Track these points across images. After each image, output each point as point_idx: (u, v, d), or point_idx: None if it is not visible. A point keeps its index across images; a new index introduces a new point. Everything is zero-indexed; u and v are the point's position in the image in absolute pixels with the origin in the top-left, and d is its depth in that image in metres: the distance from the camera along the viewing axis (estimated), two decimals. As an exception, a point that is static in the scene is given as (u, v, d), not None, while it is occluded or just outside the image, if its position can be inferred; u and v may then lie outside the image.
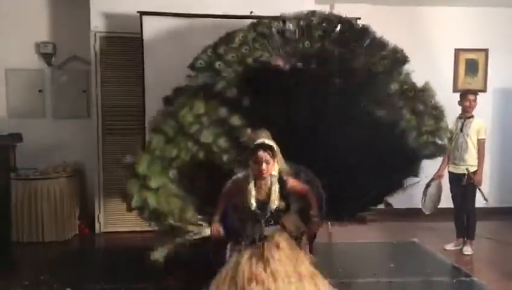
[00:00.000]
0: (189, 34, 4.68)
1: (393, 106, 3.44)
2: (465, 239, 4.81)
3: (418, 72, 5.74)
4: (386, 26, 5.77)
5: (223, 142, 3.28)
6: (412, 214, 5.54)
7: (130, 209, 2.98)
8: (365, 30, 3.53)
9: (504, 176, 6.26)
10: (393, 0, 5.80)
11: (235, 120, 3.29)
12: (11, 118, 5.60)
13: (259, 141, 2.68)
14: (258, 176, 2.71)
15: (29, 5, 5.63)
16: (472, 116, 4.78)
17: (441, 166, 4.87)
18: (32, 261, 4.53)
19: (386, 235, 5.17)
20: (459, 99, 4.85)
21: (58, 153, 5.59)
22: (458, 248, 4.84)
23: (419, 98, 3.49)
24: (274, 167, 2.71)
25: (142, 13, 4.90)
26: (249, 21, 3.78)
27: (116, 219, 5.40)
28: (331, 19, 3.57)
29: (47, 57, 5.70)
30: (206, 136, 3.24)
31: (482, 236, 5.00)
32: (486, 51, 6.21)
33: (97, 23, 5.31)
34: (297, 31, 3.57)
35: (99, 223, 5.45)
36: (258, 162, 2.66)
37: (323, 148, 3.37)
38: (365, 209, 3.38)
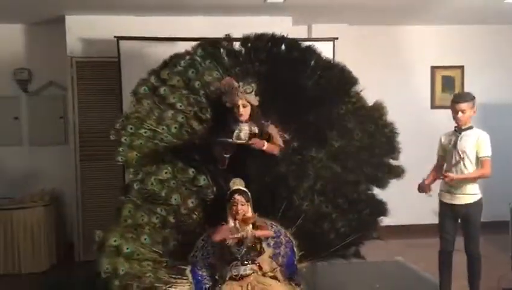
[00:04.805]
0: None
1: (344, 126, 3.47)
2: None
3: (395, 90, 5.95)
4: (363, 45, 6.00)
5: (190, 202, 3.23)
6: (398, 231, 5.56)
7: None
8: (309, 50, 3.52)
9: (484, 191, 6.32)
10: (370, 20, 5.88)
11: (201, 180, 3.25)
12: (-14, 146, 5.49)
13: (236, 187, 3.03)
14: (234, 217, 2.99)
15: (4, 32, 5.56)
16: (471, 128, 3.76)
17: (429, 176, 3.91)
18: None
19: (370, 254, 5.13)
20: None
21: (36, 181, 5.49)
22: None
23: (370, 117, 3.51)
24: (248, 210, 3.02)
25: (119, 38, 4.88)
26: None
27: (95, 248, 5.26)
28: (276, 39, 3.53)
29: (23, 84, 5.63)
30: (176, 199, 3.20)
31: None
32: (462, 67, 6.32)
33: (73, 49, 5.27)
34: (244, 51, 3.54)
35: (79, 252, 5.32)
36: (235, 203, 2.99)
37: (287, 198, 3.36)
38: (340, 252, 3.43)
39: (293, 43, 3.56)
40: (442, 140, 3.94)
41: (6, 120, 5.61)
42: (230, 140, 3.10)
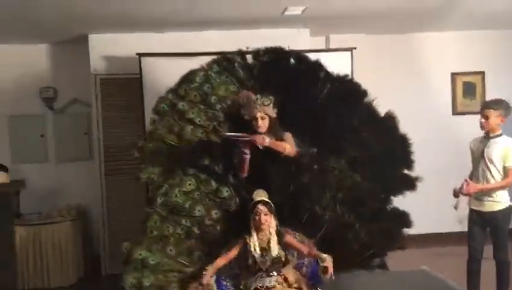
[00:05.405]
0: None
1: (358, 137, 3.47)
2: None
3: (416, 97, 5.93)
4: (381, 54, 6.00)
5: (214, 213, 3.30)
6: (422, 240, 5.48)
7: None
8: (317, 63, 3.55)
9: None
10: (387, 28, 5.89)
11: (224, 192, 3.31)
12: (14, 163, 5.60)
13: (259, 198, 3.03)
14: (258, 227, 3.00)
15: (31, 52, 5.72)
16: (499, 135, 3.72)
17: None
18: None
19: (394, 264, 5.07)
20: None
21: (62, 196, 5.61)
22: None
23: (383, 127, 3.51)
24: (271, 221, 3.02)
25: (141, 55, 4.99)
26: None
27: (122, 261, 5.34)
28: (284, 53, 3.59)
29: (48, 102, 5.78)
30: (200, 211, 3.27)
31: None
32: (482, 73, 6.26)
33: (97, 66, 5.41)
34: (256, 65, 3.60)
35: (105, 265, 5.40)
36: (258, 213, 2.99)
37: (309, 208, 3.38)
38: (364, 263, 3.42)
39: (301, 57, 3.61)
40: (471, 146, 3.91)
41: (34, 138, 5.76)
42: (232, 134, 3.17)
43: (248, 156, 3.14)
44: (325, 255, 3.00)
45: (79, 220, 5.43)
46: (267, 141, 3.15)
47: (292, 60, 3.58)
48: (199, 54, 4.79)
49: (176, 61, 4.89)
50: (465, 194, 3.74)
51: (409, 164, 3.49)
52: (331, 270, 2.93)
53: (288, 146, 3.20)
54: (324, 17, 5.20)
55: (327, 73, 3.56)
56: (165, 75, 4.87)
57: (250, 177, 3.22)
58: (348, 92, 3.53)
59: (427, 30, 6.10)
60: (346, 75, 3.66)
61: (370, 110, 3.55)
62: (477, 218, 3.79)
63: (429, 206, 5.39)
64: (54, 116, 5.82)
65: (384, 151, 3.48)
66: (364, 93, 3.55)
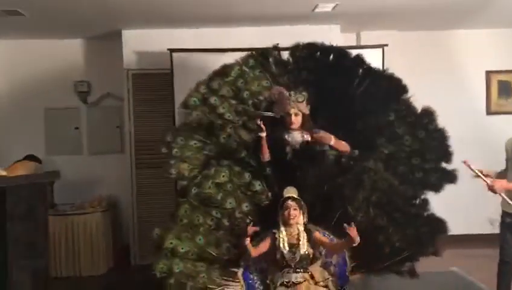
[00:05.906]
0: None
1: (394, 132, 3.44)
2: None
3: (448, 96, 5.81)
4: (413, 51, 5.92)
5: (245, 206, 3.30)
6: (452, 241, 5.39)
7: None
8: (358, 58, 3.53)
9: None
10: (420, 25, 5.79)
11: (257, 185, 3.31)
12: (48, 155, 5.77)
13: (289, 194, 3.06)
14: (286, 222, 3.02)
15: (66, 47, 5.88)
16: None
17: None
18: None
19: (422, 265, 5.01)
20: None
21: (94, 187, 5.74)
22: None
23: (420, 122, 3.48)
24: (300, 217, 3.05)
25: (172, 50, 5.06)
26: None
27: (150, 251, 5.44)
28: (325, 48, 3.57)
29: (83, 95, 5.92)
30: (231, 203, 3.28)
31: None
32: (518, 72, 6.10)
33: (129, 61, 5.50)
34: (293, 60, 3.59)
35: (135, 256, 5.51)
36: (287, 208, 3.02)
37: (341, 208, 3.35)
38: (394, 267, 3.36)
39: (342, 52, 3.59)
40: (506, 145, 3.79)
41: (68, 130, 5.92)
42: (271, 113, 3.20)
43: (263, 134, 3.14)
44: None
45: (109, 211, 5.55)
46: (332, 139, 3.18)
47: (331, 55, 3.57)
48: (230, 50, 4.86)
49: (207, 57, 4.94)
50: (492, 190, 3.62)
51: (448, 157, 3.46)
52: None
53: (346, 144, 3.25)
54: (355, 13, 5.16)
55: (367, 68, 3.54)
56: (195, 70, 4.93)
57: (285, 175, 3.22)
58: (387, 87, 3.51)
59: (461, 27, 5.97)
60: (386, 71, 3.63)
61: (407, 105, 3.53)
62: (508, 219, 3.70)
63: (460, 207, 5.30)
64: (87, 110, 5.96)
65: (421, 147, 3.45)
66: (403, 88, 3.52)
